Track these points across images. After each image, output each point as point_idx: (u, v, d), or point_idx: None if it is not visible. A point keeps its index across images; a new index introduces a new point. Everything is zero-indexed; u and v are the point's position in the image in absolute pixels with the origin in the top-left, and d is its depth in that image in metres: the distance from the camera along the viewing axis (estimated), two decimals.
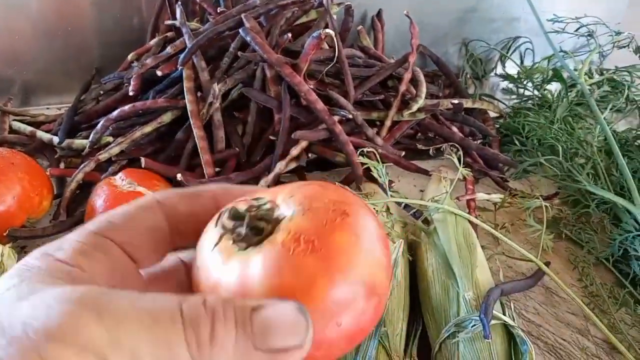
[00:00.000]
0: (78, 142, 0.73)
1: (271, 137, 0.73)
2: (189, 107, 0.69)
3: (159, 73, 0.72)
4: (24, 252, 0.68)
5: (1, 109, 0.83)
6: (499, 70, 1.05)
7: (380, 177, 0.64)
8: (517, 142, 0.82)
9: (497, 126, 0.91)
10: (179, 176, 0.64)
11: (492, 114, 0.93)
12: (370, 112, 0.80)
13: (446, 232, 0.62)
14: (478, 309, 0.55)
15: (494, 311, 0.54)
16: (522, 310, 0.65)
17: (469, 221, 0.66)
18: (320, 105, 0.71)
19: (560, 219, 0.76)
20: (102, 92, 0.82)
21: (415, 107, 0.78)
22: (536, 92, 0.97)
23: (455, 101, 0.79)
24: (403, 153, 0.78)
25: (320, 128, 0.72)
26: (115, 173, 0.68)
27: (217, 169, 0.71)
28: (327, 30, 0.68)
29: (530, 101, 0.97)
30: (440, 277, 0.59)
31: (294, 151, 0.70)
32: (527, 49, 1.05)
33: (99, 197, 0.64)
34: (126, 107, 0.72)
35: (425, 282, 0.59)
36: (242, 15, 0.72)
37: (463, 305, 0.55)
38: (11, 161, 0.65)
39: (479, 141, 0.86)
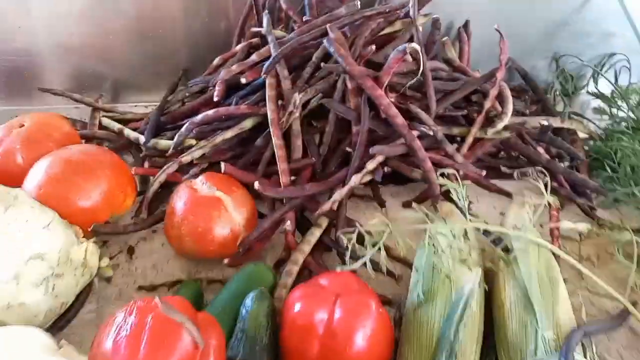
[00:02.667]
0: (163, 143, 0.76)
1: (348, 149, 0.73)
2: (269, 115, 0.70)
3: (243, 80, 0.73)
4: (105, 246, 0.71)
5: (93, 105, 0.88)
6: (591, 88, 0.99)
7: (460, 199, 0.62)
8: (608, 168, 0.77)
9: (586, 148, 0.85)
10: (256, 185, 0.65)
11: (580, 135, 0.87)
12: (452, 127, 0.78)
13: (527, 264, 0.59)
14: (558, 349, 0.52)
15: (574, 353, 0.51)
16: (603, 352, 0.61)
17: (552, 252, 0.62)
18: (400, 119, 0.69)
19: None
20: (187, 95, 0.85)
21: (500, 125, 0.75)
22: (631, 114, 0.90)
23: (545, 122, 0.75)
24: (484, 172, 0.75)
25: (399, 143, 0.71)
26: (196, 176, 0.70)
27: (292, 178, 0.71)
28: (413, 45, 0.66)
29: (623, 123, 0.90)
30: (518, 311, 0.56)
31: (370, 165, 0.69)
32: (622, 66, 0.99)
33: (179, 198, 0.66)
34: (210, 112, 0.74)
35: (502, 315, 0.57)
36: (327, 26, 0.72)
37: (541, 345, 0.52)
38: (99, 158, 0.68)
39: (565, 164, 0.81)
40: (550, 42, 0.99)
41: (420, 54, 0.70)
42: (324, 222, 0.68)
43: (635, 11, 0.92)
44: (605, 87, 0.98)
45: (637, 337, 0.63)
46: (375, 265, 0.61)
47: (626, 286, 0.66)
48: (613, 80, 0.99)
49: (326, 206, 0.67)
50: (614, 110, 0.93)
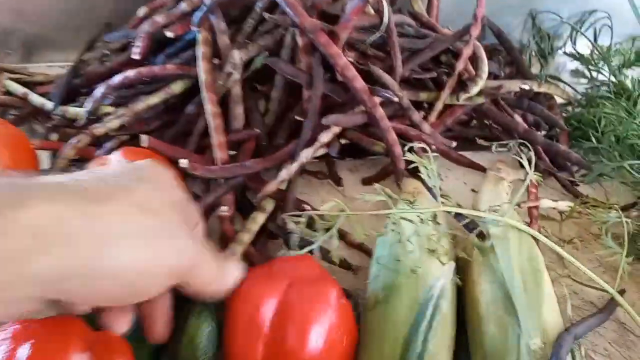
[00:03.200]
0: (72, 111, 0.63)
1: (298, 118, 0.62)
2: (202, 77, 0.58)
3: (168, 34, 0.60)
4: None
5: None
6: (568, 48, 0.90)
7: (430, 177, 0.52)
8: (592, 139, 0.68)
9: (565, 115, 0.77)
10: (182, 162, 0.53)
11: (558, 100, 0.79)
12: (419, 92, 0.68)
13: (507, 254, 0.50)
14: (545, 358, 0.44)
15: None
16: (589, 351, 0.54)
17: (533, 237, 0.54)
18: (359, 83, 0.59)
19: (638, 235, 0.63)
20: (107, 52, 0.71)
21: (474, 90, 0.65)
22: (613, 78, 0.82)
23: (526, 86, 0.65)
24: (454, 144, 0.66)
25: (358, 111, 0.60)
26: (112, 151, 0.58)
27: (232, 152, 0.60)
28: None
29: (604, 87, 0.82)
30: (496, 312, 0.47)
31: (324, 137, 0.58)
32: (603, 25, 0.90)
33: None
34: (130, 73, 0.61)
35: (477, 316, 0.48)
36: None
37: (525, 354, 0.44)
38: None
39: (542, 133, 0.73)
40: None
41: (384, 5, 0.59)
42: (269, 205, 0.57)
43: None
44: (584, 48, 0.89)
45: (625, 331, 0.56)
46: (327, 254, 0.52)
47: (610, 272, 0.59)
48: (593, 40, 0.90)
49: (271, 186, 0.56)
50: (594, 73, 0.85)
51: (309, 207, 0.54)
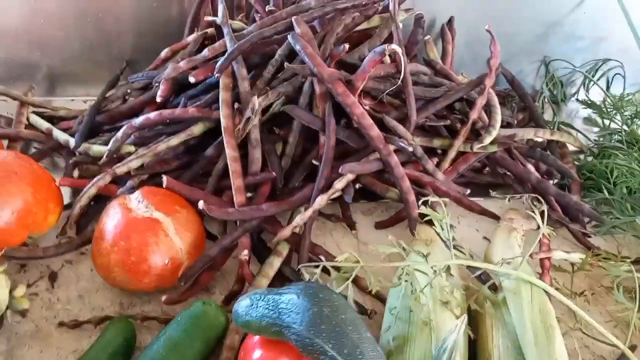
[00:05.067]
0: (96, 149, 0.65)
1: (314, 162, 0.63)
2: (223, 123, 0.59)
3: (191, 80, 0.62)
4: (23, 270, 0.60)
5: (20, 99, 0.75)
6: (581, 95, 0.91)
7: (443, 229, 0.53)
8: (604, 190, 0.69)
9: (577, 164, 0.77)
10: (200, 205, 0.54)
11: (570, 148, 0.80)
12: (432, 138, 0.69)
13: (519, 308, 0.51)
14: None
15: None
16: None
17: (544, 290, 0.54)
18: (374, 131, 0.60)
19: None
20: (130, 91, 0.73)
21: (487, 140, 0.66)
22: (625, 127, 0.82)
23: (540, 138, 0.66)
24: (468, 191, 0.66)
25: (373, 158, 0.61)
26: (132, 190, 0.59)
27: (249, 195, 0.61)
28: (393, 46, 0.57)
29: (615, 136, 0.83)
30: None
31: (339, 184, 0.59)
32: (616, 74, 0.91)
33: (110, 219, 0.55)
34: (152, 114, 0.63)
35: None
36: (293, 19, 0.61)
37: None
38: (14, 169, 0.57)
39: (554, 181, 0.73)
40: (539, 45, 0.90)
41: (401, 56, 0.61)
42: (285, 249, 0.58)
43: (634, 12, 0.84)
44: (596, 96, 0.90)
45: None
46: None
47: (622, 326, 0.59)
48: (605, 88, 0.91)
49: (286, 232, 0.57)
50: (606, 122, 0.86)
51: (323, 258, 0.54)
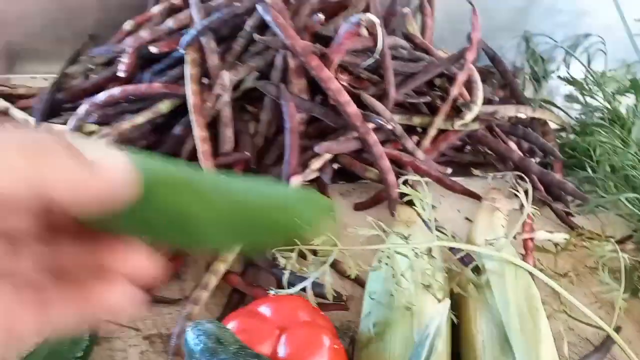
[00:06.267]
0: (57, 128, 0.60)
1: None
2: (190, 100, 0.56)
3: (153, 50, 0.58)
4: None
5: None
6: (562, 72, 0.89)
7: (424, 209, 0.50)
8: (587, 168, 0.67)
9: (559, 142, 0.76)
10: None
11: (552, 125, 0.78)
12: (412, 116, 0.66)
13: (503, 291, 0.49)
14: None
15: None
16: None
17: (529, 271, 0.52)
18: (352, 108, 0.57)
19: (634, 270, 0.61)
20: (92, 66, 0.69)
21: (469, 117, 0.64)
22: (607, 104, 0.81)
23: (522, 115, 0.64)
24: (449, 171, 0.64)
25: (350, 137, 0.58)
26: None
27: None
28: (369, 16, 0.54)
29: (597, 113, 0.81)
30: (492, 351, 0.46)
31: (315, 164, 0.56)
32: (597, 49, 0.89)
33: None
34: (115, 90, 0.59)
35: (473, 355, 0.46)
36: None
37: None
38: None
39: (536, 159, 0.71)
40: (520, 19, 0.88)
41: (378, 29, 0.58)
42: None
43: None
44: (578, 73, 0.88)
45: None
46: (319, 288, 0.50)
47: (606, 307, 0.58)
48: (586, 64, 0.89)
49: None
50: (588, 99, 0.84)
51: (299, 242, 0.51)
